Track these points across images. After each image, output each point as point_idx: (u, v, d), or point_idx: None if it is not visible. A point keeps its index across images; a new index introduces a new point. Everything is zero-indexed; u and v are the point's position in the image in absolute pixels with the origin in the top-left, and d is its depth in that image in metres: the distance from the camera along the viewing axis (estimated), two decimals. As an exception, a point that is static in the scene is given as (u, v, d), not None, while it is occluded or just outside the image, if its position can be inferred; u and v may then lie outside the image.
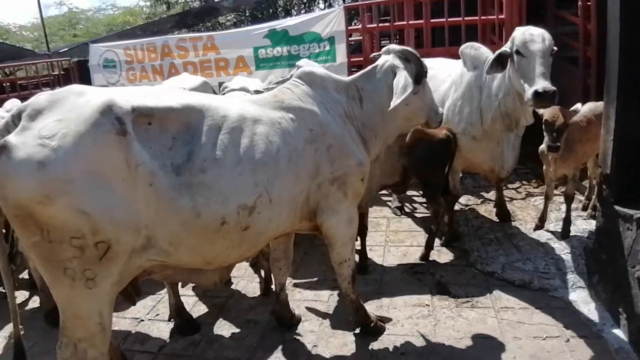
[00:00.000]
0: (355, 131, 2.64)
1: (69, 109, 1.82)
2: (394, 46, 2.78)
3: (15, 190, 1.70)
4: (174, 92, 2.27)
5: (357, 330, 2.92)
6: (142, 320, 3.24)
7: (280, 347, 2.85)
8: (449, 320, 3.00)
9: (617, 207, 2.89)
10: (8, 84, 9.51)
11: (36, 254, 1.86)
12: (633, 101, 2.85)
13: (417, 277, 3.53)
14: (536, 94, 2.99)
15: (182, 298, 3.09)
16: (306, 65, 3.59)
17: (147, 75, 7.58)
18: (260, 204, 2.13)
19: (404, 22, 5.87)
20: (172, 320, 3.10)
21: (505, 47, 3.35)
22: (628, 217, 2.74)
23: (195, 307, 3.31)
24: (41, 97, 1.89)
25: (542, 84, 3.00)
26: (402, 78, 2.57)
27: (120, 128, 1.82)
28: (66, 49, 17.68)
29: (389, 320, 3.02)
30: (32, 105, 1.84)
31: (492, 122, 3.60)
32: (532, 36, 3.20)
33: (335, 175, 2.45)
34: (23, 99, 3.60)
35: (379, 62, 2.75)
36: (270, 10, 15.07)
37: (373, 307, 3.15)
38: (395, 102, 2.52)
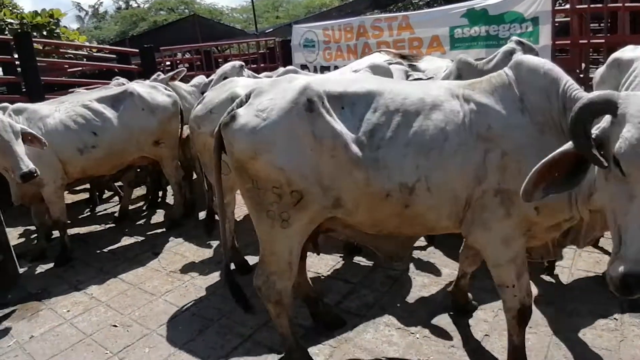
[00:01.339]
0: None
1: (280, 90, 2.30)
2: None
3: (236, 147, 2.26)
4: (362, 78, 2.53)
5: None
6: (323, 277, 3.59)
7: (450, 329, 2.90)
8: (638, 339, 2.70)
9: None
10: (221, 59, 11.02)
11: (248, 198, 2.38)
12: None
13: (608, 289, 3.17)
14: None
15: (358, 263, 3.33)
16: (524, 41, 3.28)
17: (342, 54, 8.01)
18: (419, 187, 2.15)
19: (619, 4, 5.10)
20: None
21: None
22: None
23: (370, 275, 3.55)
24: (265, 81, 2.46)
25: None
26: None
27: (308, 106, 2.20)
28: (271, 30, 19.65)
29: None
30: (258, 88, 2.39)
31: None
32: None
33: (502, 188, 2.11)
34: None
35: None
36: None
37: (555, 311, 3.00)
38: None
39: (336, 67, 7.55)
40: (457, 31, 6.11)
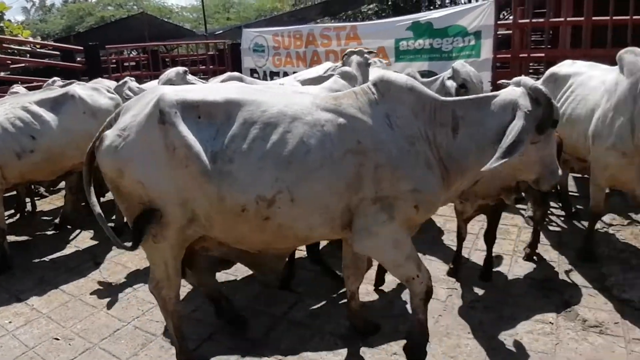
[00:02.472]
0: (434, 157, 2.32)
1: (141, 105, 2.31)
2: (528, 80, 2.32)
3: (104, 169, 2.32)
4: (225, 87, 2.53)
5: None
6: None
7: (392, 337, 2.93)
8: (572, 342, 2.83)
9: None
10: (168, 59, 10.79)
11: (126, 215, 2.47)
12: None
13: (544, 293, 3.35)
14: None
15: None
16: (462, 68, 3.49)
17: (291, 61, 8.03)
18: (280, 200, 2.18)
19: (561, 19, 5.42)
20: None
21: None
22: None
23: (316, 283, 3.56)
24: (131, 100, 2.49)
25: None
26: (516, 130, 2.13)
27: (160, 118, 2.20)
28: (220, 31, 19.40)
29: None
30: (125, 105, 2.43)
31: None
32: None
33: (380, 196, 2.23)
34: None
35: (502, 93, 2.34)
36: (414, 0, 14.85)
37: (494, 317, 3.10)
38: (495, 163, 2.12)
39: (286, 73, 7.57)
40: (403, 43, 6.27)
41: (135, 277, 3.91)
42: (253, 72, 8.60)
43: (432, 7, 13.81)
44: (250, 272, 3.70)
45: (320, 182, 2.20)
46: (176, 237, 2.36)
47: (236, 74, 4.70)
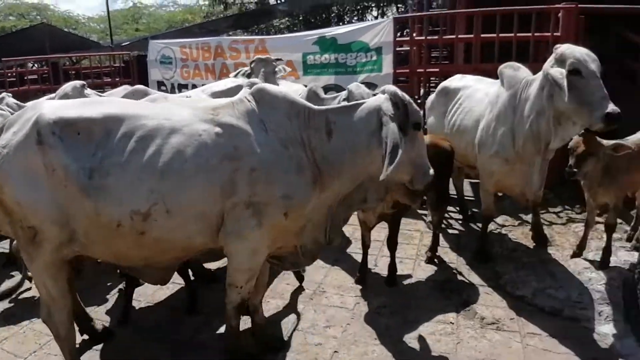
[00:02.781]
0: (307, 160, 2.42)
1: (22, 122, 2.27)
2: (390, 87, 2.49)
3: None
4: (105, 103, 2.52)
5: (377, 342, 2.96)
6: (174, 309, 3.40)
7: (301, 349, 2.92)
8: (472, 340, 2.98)
9: (660, 241, 2.79)
10: (73, 72, 10.14)
11: (13, 233, 2.41)
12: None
13: (445, 295, 3.52)
14: (609, 116, 2.83)
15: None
16: (356, 89, 3.62)
17: (200, 73, 7.89)
18: (156, 212, 2.20)
19: (453, 36, 5.81)
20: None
21: (552, 68, 3.18)
22: (672, 252, 2.65)
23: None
24: (14, 115, 2.46)
25: (611, 106, 2.84)
26: (391, 135, 2.29)
27: (38, 139, 2.17)
28: (128, 43, 18.56)
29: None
30: (9, 120, 2.39)
31: (523, 145, 3.48)
32: (589, 55, 3.03)
33: (253, 200, 2.31)
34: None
35: (369, 100, 2.51)
36: (324, 16, 15.24)
37: (398, 320, 3.18)
38: (388, 169, 2.25)
39: (194, 86, 7.42)
40: (310, 57, 6.39)
41: (31, 308, 3.53)
42: (160, 85, 8.33)
43: (341, 23, 14.26)
44: (155, 298, 3.55)
45: (195, 190, 2.25)
46: (51, 257, 2.31)
47: (141, 87, 4.51)
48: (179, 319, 3.30)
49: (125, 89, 4.03)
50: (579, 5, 5.10)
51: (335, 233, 2.66)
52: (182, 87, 8.03)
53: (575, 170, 3.29)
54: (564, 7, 5.16)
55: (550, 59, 3.22)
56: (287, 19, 15.79)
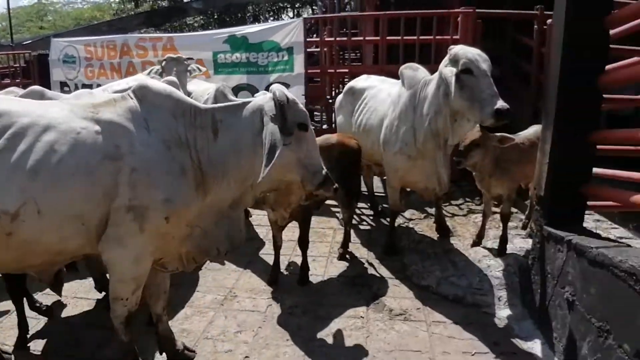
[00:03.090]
0: (191, 162, 2.33)
1: None
2: (275, 86, 2.44)
3: None
4: None
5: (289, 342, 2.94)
6: (75, 324, 3.17)
7: (210, 359, 2.83)
8: (381, 332, 3.05)
9: (549, 229, 3.00)
10: (-33, 73, 9.25)
11: None
12: (570, 127, 2.95)
13: (356, 290, 3.58)
14: (498, 112, 2.97)
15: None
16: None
17: (105, 72, 7.50)
18: (25, 212, 2.08)
19: (361, 38, 5.97)
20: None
21: (446, 67, 3.33)
22: (559, 238, 2.84)
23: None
24: None
25: (500, 102, 2.99)
26: (269, 137, 2.27)
27: None
28: (29, 41, 17.13)
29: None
30: None
31: (424, 141, 3.63)
32: (480, 55, 3.18)
33: (133, 204, 2.20)
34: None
35: (254, 99, 2.47)
36: (239, 15, 15.04)
37: (310, 318, 3.19)
38: (264, 172, 2.24)
39: (99, 85, 6.98)
40: (220, 56, 6.27)
41: None
42: (64, 85, 7.80)
43: (257, 23, 14.14)
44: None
45: (72, 191, 2.13)
46: None
47: (37, 88, 4.17)
48: (79, 336, 3.07)
49: (10, 91, 3.68)
50: (477, 10, 5.43)
51: (236, 237, 2.58)
52: (86, 87, 7.53)
53: (462, 159, 3.53)
54: (462, 12, 5.48)
55: (445, 59, 3.37)
56: (201, 17, 15.40)
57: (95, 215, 2.19)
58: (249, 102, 2.45)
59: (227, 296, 3.51)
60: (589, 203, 3.21)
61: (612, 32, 2.89)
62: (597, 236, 2.88)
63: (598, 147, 3.05)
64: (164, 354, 2.79)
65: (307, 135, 2.45)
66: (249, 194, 2.54)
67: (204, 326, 3.15)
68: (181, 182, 2.29)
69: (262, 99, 2.43)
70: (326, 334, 3.03)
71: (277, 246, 3.66)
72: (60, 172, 2.10)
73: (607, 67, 2.93)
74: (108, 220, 2.22)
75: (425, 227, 4.63)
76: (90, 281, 3.78)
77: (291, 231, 3.97)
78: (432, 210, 4.77)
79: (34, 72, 8.63)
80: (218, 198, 2.45)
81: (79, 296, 3.54)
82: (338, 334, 3.03)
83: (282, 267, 3.89)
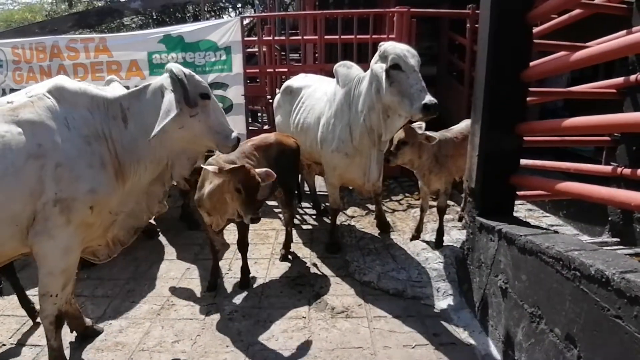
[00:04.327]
0: (109, 154, 2.47)
1: None
2: (171, 65, 2.56)
3: None
4: None
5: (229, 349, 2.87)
6: (4, 345, 2.96)
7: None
8: (323, 332, 3.03)
9: (481, 219, 3.09)
10: None
11: None
12: (497, 119, 3.04)
13: (298, 290, 3.55)
14: (426, 107, 3.01)
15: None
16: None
17: (35, 76, 7.07)
18: None
19: (299, 37, 5.95)
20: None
21: (376, 64, 3.34)
22: (490, 228, 2.92)
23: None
24: None
25: (428, 97, 3.04)
26: (166, 102, 2.44)
27: None
28: (-50, 44, 15.99)
29: None
30: None
31: (360, 138, 3.65)
32: (409, 51, 3.21)
33: (60, 197, 2.31)
34: None
35: (155, 80, 2.59)
36: (179, 15, 14.66)
37: (251, 323, 3.13)
38: (155, 130, 2.38)
39: (30, 91, 6.59)
40: (156, 56, 6.04)
41: None
42: (-10, 91, 7.29)
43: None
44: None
45: (3, 193, 2.21)
46: None
47: None
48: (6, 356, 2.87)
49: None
50: (411, 10, 5.53)
51: (155, 208, 2.81)
52: (14, 91, 7.09)
53: (390, 157, 3.62)
54: (397, 11, 5.57)
55: (376, 56, 3.39)
56: (139, 17, 14.89)
57: (25, 214, 2.28)
58: (149, 85, 2.56)
59: (164, 305, 3.38)
60: (518, 193, 3.34)
61: (537, 29, 3.00)
62: (527, 224, 2.99)
63: (525, 138, 3.17)
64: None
65: (210, 103, 2.62)
66: (167, 173, 2.71)
67: (139, 338, 3.02)
68: (102, 173, 2.42)
69: (161, 79, 2.54)
70: (267, 338, 2.98)
71: (214, 250, 3.57)
72: None
73: (531, 63, 3.05)
74: (36, 217, 2.29)
75: (367, 224, 4.66)
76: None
77: (232, 234, 3.88)
78: (374, 207, 4.82)
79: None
80: (137, 182, 2.60)
81: (6, 314, 3.31)
82: (279, 337, 2.99)
83: (223, 271, 3.81)
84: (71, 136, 2.36)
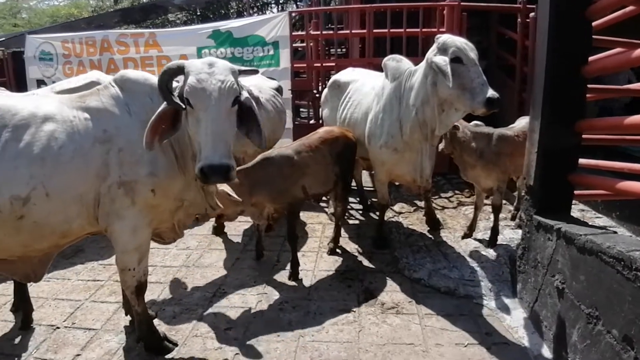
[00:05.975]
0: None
1: None
2: (171, 65, 2.49)
3: None
4: None
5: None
6: (58, 328, 3.07)
7: (199, 356, 2.77)
8: (374, 326, 3.01)
9: (538, 218, 3.00)
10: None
11: None
12: (557, 116, 2.97)
13: (347, 284, 3.54)
14: (489, 101, 2.99)
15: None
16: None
17: (85, 69, 7.28)
18: (35, 196, 2.27)
19: (347, 31, 5.92)
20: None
21: (436, 56, 3.26)
22: (549, 227, 2.84)
23: (114, 317, 3.18)
24: None
25: (491, 91, 3.00)
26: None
27: None
28: (3, 39, 16.72)
29: (175, 344, 2.85)
30: None
31: (411, 133, 3.60)
32: (467, 44, 3.16)
33: (123, 180, 2.44)
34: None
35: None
36: (222, 11, 14.87)
37: (301, 314, 3.14)
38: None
39: (81, 83, 6.82)
40: (205, 51, 6.15)
41: None
42: (41, 83, 7.54)
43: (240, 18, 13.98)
44: None
45: (73, 173, 2.34)
46: None
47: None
48: (63, 338, 2.97)
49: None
50: (461, 3, 5.43)
51: (212, 202, 2.88)
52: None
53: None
54: (447, 5, 5.47)
55: (433, 49, 3.33)
56: (183, 13, 15.18)
57: (91, 195, 2.41)
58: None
59: (216, 293, 3.44)
60: (575, 192, 3.23)
61: (594, 23, 2.90)
62: (585, 224, 2.89)
63: (584, 136, 3.06)
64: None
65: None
66: None
67: (192, 324, 3.08)
68: (161, 157, 2.51)
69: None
70: (317, 329, 2.98)
71: (259, 230, 3.82)
72: (61, 157, 2.32)
73: (590, 58, 2.94)
74: (100, 199, 2.43)
75: (415, 220, 4.61)
76: (72, 282, 3.69)
77: (279, 227, 3.91)
78: (422, 204, 4.76)
79: (8, 70, 8.39)
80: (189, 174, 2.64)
81: (60, 297, 3.44)
82: (329, 329, 2.99)
83: (271, 263, 3.84)
84: (132, 122, 2.48)
